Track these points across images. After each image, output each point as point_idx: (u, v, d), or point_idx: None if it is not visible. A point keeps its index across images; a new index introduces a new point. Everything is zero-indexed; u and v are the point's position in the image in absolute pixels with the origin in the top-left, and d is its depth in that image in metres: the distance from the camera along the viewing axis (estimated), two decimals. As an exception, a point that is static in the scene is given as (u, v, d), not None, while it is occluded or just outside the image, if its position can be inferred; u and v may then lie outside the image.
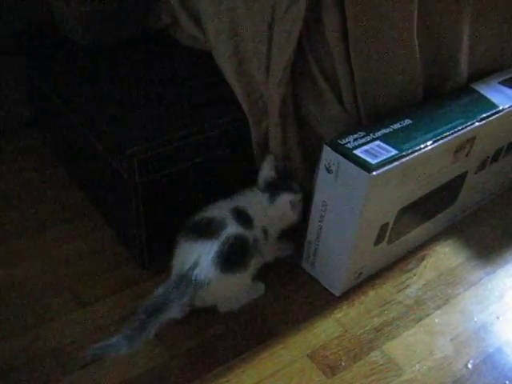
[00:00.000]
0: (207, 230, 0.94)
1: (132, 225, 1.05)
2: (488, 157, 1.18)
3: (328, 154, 0.95)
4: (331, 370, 0.94)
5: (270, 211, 1.03)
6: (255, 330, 1.00)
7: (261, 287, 1.05)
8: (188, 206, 1.09)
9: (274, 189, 1.04)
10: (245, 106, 1.05)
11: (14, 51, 1.29)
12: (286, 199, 1.03)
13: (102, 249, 1.13)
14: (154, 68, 1.20)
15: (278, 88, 1.00)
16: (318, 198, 1.01)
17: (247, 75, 1.05)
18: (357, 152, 0.93)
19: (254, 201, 1.03)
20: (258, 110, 1.05)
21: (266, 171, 1.05)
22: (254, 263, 0.99)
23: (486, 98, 1.12)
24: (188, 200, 1.08)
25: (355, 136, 0.97)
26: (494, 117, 1.07)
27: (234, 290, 0.99)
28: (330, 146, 0.94)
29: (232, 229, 0.94)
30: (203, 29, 1.12)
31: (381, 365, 0.95)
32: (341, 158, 0.93)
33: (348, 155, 0.93)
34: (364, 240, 1.02)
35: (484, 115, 1.06)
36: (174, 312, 0.89)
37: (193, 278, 0.90)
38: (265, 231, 1.03)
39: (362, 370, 0.94)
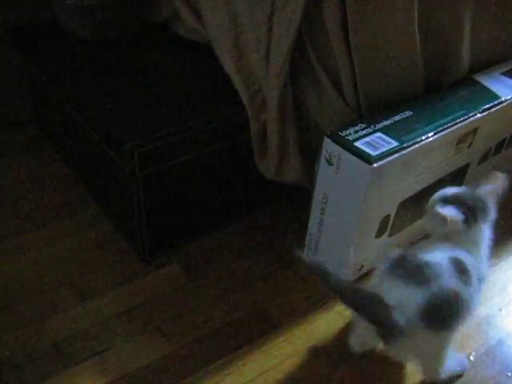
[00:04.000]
0: (417, 274, 0.81)
1: (133, 218, 1.05)
2: (490, 148, 1.17)
3: (329, 146, 0.94)
4: (333, 362, 0.94)
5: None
6: (257, 322, 0.99)
7: (464, 362, 0.94)
8: (188, 199, 1.09)
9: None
10: (244, 99, 1.04)
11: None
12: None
13: (103, 243, 1.13)
14: (155, 61, 1.20)
15: (277, 80, 0.99)
16: (318, 191, 1.00)
17: (247, 68, 1.05)
18: (357, 144, 0.92)
19: (471, 247, 0.88)
20: (258, 103, 1.05)
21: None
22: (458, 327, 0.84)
23: (488, 89, 1.11)
24: (188, 193, 1.08)
25: (356, 128, 0.96)
26: (496, 108, 1.07)
27: (430, 352, 0.86)
28: (330, 138, 0.94)
29: (448, 281, 0.81)
30: (203, 21, 1.11)
31: (382, 357, 0.95)
32: (341, 149, 0.92)
33: (349, 147, 0.92)
34: (365, 233, 1.01)
35: (486, 106, 1.05)
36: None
37: (391, 320, 0.77)
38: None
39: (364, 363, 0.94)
